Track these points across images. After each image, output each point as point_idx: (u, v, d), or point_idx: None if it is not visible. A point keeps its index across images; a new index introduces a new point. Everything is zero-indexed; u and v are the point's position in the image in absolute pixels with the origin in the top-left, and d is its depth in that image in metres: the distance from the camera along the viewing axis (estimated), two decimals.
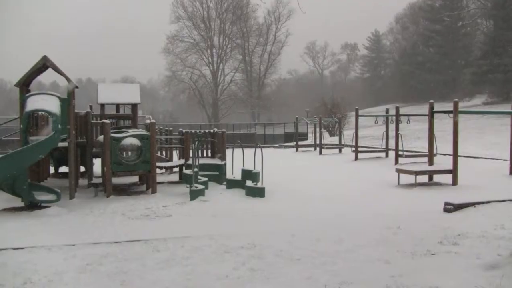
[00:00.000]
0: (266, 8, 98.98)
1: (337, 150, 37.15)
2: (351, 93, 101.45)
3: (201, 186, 16.53)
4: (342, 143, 37.95)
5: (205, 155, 20.89)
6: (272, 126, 57.04)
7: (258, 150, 17.53)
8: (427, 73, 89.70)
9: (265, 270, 8.77)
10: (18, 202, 15.34)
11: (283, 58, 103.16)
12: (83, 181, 19.74)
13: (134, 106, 21.04)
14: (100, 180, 18.02)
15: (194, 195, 15.96)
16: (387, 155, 30.73)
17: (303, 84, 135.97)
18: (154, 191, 17.11)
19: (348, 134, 42.24)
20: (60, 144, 15.91)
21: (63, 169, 22.55)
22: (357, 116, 31.46)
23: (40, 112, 16.87)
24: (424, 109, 29.02)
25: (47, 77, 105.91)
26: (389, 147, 30.71)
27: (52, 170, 23.08)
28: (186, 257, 9.62)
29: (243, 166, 18.59)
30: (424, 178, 19.34)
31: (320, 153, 36.46)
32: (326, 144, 38.21)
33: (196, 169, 17.25)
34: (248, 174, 17.81)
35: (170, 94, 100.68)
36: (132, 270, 8.93)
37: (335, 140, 44.95)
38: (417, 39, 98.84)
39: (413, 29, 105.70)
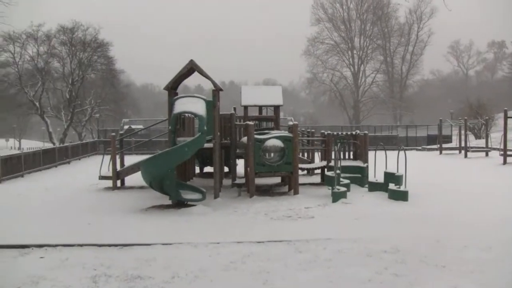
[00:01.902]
0: (408, 7, 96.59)
1: (484, 153, 35.50)
2: (499, 94, 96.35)
3: (343, 188, 16.37)
4: (489, 146, 36.20)
5: (347, 157, 20.64)
6: (415, 128, 55.51)
7: (401, 152, 17.09)
8: None
9: (409, 276, 8.52)
10: (166, 200, 16.02)
11: (425, 58, 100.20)
12: (226, 181, 20.20)
13: (276, 108, 21.25)
14: (243, 181, 18.35)
15: (336, 197, 15.84)
16: None
17: (447, 84, 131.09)
18: (296, 193, 17.17)
19: (495, 137, 40.29)
20: (206, 145, 16.36)
21: (208, 169, 23.24)
22: (505, 117, 29.79)
23: (187, 114, 17.49)
24: None
25: (193, 80, 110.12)
26: None
27: (197, 170, 23.85)
28: (328, 259, 9.56)
29: (386, 168, 18.19)
30: None
31: (465, 156, 35.00)
32: (471, 147, 36.68)
33: (338, 171, 17.10)
34: (391, 177, 17.39)
35: (311, 96, 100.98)
36: (274, 270, 8.99)
37: (481, 143, 42.99)
38: None
39: None
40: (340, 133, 20.91)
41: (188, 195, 15.62)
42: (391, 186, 16.94)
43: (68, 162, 33.91)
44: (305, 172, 22.05)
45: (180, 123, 17.36)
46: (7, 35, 56.65)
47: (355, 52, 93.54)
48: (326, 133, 20.33)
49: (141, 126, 52.25)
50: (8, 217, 14.46)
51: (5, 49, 58.58)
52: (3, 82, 60.80)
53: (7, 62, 59.23)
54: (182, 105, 15.80)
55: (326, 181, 18.22)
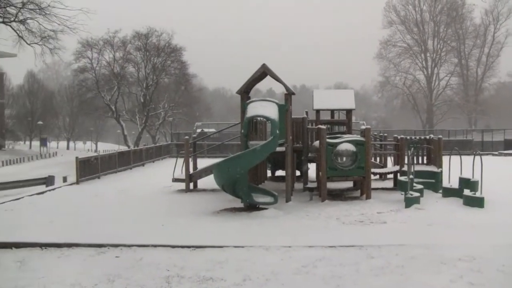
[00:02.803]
0: (483, 8, 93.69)
1: None
2: None
3: (416, 194, 16.10)
4: None
5: (420, 162, 20.27)
6: (491, 133, 53.93)
7: (476, 157, 16.63)
8: None
9: (486, 285, 8.30)
10: (238, 203, 16.16)
11: (502, 60, 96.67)
12: (298, 185, 20.18)
13: (348, 112, 21.11)
14: (315, 185, 18.31)
15: (409, 202, 15.59)
16: None
17: None
18: (368, 197, 17.01)
19: None
20: (278, 149, 16.41)
21: (279, 172, 23.29)
22: None
23: (259, 118, 17.60)
24: None
25: (264, 84, 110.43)
26: None
27: (269, 173, 23.93)
28: (400, 266, 9.44)
29: (461, 174, 17.76)
30: None
31: None
32: None
33: (411, 176, 16.82)
34: (466, 183, 16.98)
35: (383, 99, 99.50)
36: (346, 275, 8.95)
37: None
38: None
39: None
40: (413, 137, 20.58)
41: (260, 198, 15.72)
42: (466, 192, 16.53)
43: (143, 165, 34.68)
44: (377, 176, 21.79)
45: (252, 126, 17.49)
46: (86, 42, 58.64)
47: (428, 54, 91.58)
48: (399, 137, 20.05)
49: (213, 130, 52.88)
50: (85, 217, 14.94)
51: (84, 55, 60.79)
52: (82, 87, 63.01)
53: (85, 67, 61.42)
54: (255, 109, 15.91)
55: (398, 186, 17.98)
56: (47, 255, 11.02)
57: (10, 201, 18.42)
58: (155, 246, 11.33)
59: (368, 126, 17.89)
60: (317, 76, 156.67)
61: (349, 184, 19.78)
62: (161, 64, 63.26)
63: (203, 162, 22.18)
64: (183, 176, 20.50)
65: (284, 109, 16.59)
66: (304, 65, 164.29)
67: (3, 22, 32.89)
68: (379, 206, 15.80)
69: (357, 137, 17.71)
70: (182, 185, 20.57)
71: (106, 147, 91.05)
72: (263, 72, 17.11)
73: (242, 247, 11.04)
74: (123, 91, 63.31)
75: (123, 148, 59.59)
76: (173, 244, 11.38)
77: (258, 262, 9.84)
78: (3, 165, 48.36)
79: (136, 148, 42.13)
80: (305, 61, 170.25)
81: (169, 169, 23.12)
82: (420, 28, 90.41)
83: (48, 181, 26.68)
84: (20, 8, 32.59)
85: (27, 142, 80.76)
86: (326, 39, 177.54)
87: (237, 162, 15.00)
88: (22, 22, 33.45)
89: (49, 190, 21.69)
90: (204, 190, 20.34)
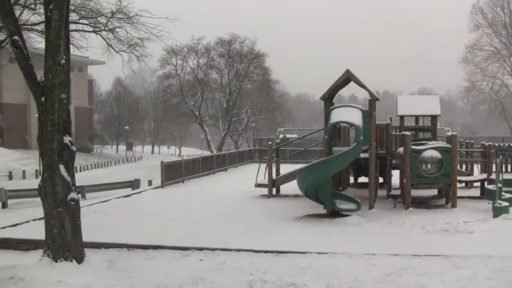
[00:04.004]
0: None
1: None
2: None
3: (505, 203, 15.55)
4: None
5: (509, 170, 19.62)
6: None
7: None
8: None
9: None
10: (320, 209, 16.14)
11: None
12: (381, 192, 19.94)
13: (433, 118, 20.70)
14: (398, 192, 18.06)
15: (498, 212, 15.10)
16: None
17: None
18: (454, 206, 16.58)
19: None
20: (361, 155, 16.30)
21: (362, 179, 23.11)
22: None
23: (343, 124, 17.55)
24: None
25: (346, 90, 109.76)
26: None
27: (351, 179, 23.77)
28: (488, 278, 9.18)
29: None
30: None
31: None
32: None
33: (500, 185, 16.30)
34: None
35: (469, 105, 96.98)
36: (431, 285, 8.82)
37: None
38: None
39: None
40: (501, 144, 19.96)
41: (343, 205, 15.64)
42: None
43: (225, 170, 35.10)
44: (463, 184, 21.25)
45: (336, 132, 17.44)
46: (171, 49, 60.17)
47: None
48: (486, 144, 19.50)
49: (295, 136, 52.95)
50: (170, 220, 15.32)
51: (169, 62, 62.46)
52: (166, 93, 64.71)
53: (170, 74, 63.09)
54: (339, 115, 15.89)
55: (486, 194, 17.46)
56: (134, 256, 11.40)
57: (98, 203, 19.11)
58: (238, 250, 11.48)
59: (455, 133, 17.52)
60: (401, 82, 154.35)
61: (434, 191, 19.39)
62: (244, 70, 64.08)
63: (286, 168, 22.25)
64: (266, 182, 20.63)
65: (368, 115, 16.47)
66: (387, 71, 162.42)
67: (94, 31, 34.38)
68: (465, 215, 15.36)
69: (442, 144, 17.36)
70: (265, 191, 20.67)
71: (190, 152, 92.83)
72: (347, 78, 17.06)
73: (325, 253, 11.04)
74: (206, 97, 64.55)
75: (206, 153, 60.65)
76: (256, 249, 11.50)
77: (341, 269, 9.81)
78: (91, 168, 50.17)
79: (219, 153, 42.74)
80: (388, 66, 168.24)
81: (251, 174, 23.33)
82: (508, 30, 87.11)
83: (134, 184, 27.54)
84: (110, 17, 33.95)
85: (114, 146, 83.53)
86: (409, 44, 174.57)
87: (322, 168, 15.02)
88: (111, 31, 34.83)
89: (135, 193, 22.41)
90: (286, 196, 20.40)
